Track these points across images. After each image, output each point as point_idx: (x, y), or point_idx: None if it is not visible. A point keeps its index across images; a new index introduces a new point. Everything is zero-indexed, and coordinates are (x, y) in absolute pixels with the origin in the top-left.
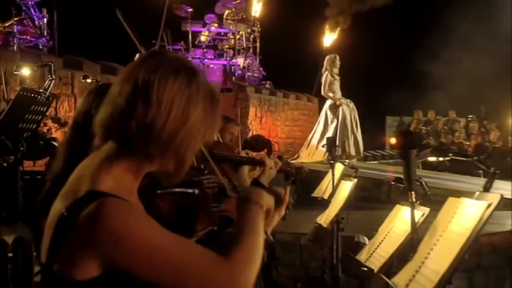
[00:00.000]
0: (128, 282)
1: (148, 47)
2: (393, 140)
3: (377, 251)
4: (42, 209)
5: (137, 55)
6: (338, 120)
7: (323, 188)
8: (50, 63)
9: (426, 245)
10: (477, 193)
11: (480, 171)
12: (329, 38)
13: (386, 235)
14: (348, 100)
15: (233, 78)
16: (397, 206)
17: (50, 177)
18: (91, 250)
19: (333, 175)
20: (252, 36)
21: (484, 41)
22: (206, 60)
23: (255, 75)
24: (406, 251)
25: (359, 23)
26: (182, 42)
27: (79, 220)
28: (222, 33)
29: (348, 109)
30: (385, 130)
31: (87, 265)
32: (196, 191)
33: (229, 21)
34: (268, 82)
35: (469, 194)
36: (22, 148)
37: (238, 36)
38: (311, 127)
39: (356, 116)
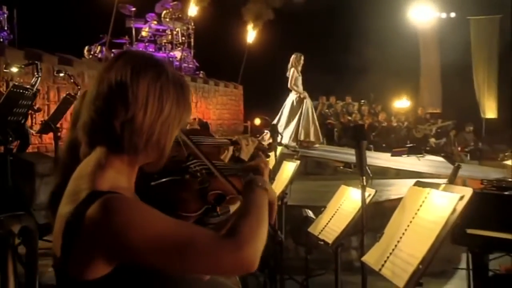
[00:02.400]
0: (138, 273)
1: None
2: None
3: (328, 226)
4: (55, 203)
5: (86, 48)
6: (302, 111)
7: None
8: (36, 62)
9: (394, 229)
10: (443, 185)
11: (371, 146)
12: (251, 35)
13: (336, 212)
14: (306, 93)
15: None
16: (343, 186)
17: (59, 173)
18: (101, 247)
19: (275, 156)
20: (187, 32)
21: (376, 36)
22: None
23: (190, 66)
24: (356, 226)
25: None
26: (127, 37)
27: (85, 221)
28: (161, 30)
29: (310, 102)
30: None
31: (98, 264)
32: (187, 176)
33: (167, 20)
34: (201, 72)
35: (434, 185)
36: (11, 139)
37: (175, 32)
38: (237, 110)
39: (313, 107)
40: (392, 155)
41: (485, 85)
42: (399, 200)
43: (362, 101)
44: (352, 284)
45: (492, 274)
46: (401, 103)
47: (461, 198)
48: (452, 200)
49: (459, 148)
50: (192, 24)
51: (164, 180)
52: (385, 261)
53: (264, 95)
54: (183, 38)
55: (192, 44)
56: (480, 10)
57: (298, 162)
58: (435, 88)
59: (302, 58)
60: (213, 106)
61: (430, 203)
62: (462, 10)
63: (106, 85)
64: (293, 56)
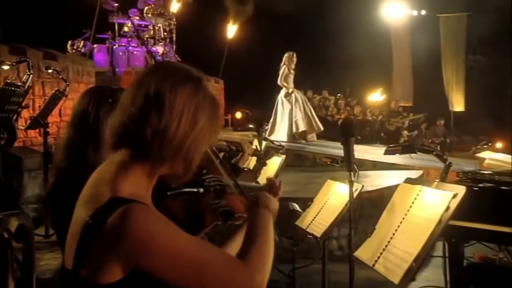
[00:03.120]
0: (151, 283)
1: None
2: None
3: (316, 220)
4: (50, 203)
5: (69, 43)
6: (292, 105)
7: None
8: (28, 59)
9: (386, 225)
10: (435, 182)
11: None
12: (231, 30)
13: (323, 206)
14: (297, 90)
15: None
16: (329, 181)
17: (54, 172)
18: (118, 255)
19: (260, 150)
20: (169, 28)
21: (350, 33)
22: (130, 47)
23: (172, 61)
24: (344, 220)
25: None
26: (109, 32)
27: (106, 227)
28: (143, 25)
29: (300, 96)
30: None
31: (113, 269)
32: (201, 190)
33: (149, 15)
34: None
35: (425, 182)
36: (2, 136)
37: (157, 28)
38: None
39: (306, 100)
40: (385, 154)
41: (453, 79)
42: (376, 191)
43: (338, 95)
44: (334, 273)
45: (467, 263)
46: (375, 97)
47: (455, 196)
48: (446, 198)
49: (430, 140)
50: (174, 19)
51: (180, 191)
52: (379, 257)
53: (244, 89)
54: (165, 33)
55: (174, 39)
56: (449, 8)
57: (284, 156)
58: (407, 83)
59: (295, 56)
60: None
61: (422, 201)
62: (432, 8)
63: (144, 93)
64: (286, 55)
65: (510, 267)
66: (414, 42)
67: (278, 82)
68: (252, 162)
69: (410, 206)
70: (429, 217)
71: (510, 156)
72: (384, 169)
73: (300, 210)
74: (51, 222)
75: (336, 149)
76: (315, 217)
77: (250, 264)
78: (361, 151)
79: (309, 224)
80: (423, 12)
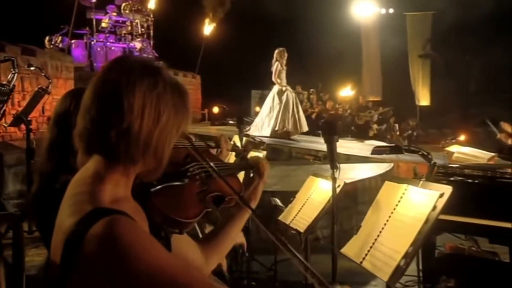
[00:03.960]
0: None
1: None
2: (257, 109)
3: (299, 216)
4: (35, 206)
5: (46, 38)
6: (283, 102)
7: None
8: (13, 58)
9: (372, 222)
10: (421, 182)
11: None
12: (208, 28)
13: (305, 202)
14: (289, 87)
15: None
16: (311, 177)
17: (38, 175)
18: (99, 270)
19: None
20: (146, 24)
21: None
22: (108, 43)
23: (150, 56)
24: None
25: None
26: (87, 28)
27: (86, 241)
28: (121, 21)
29: (292, 95)
30: (251, 101)
31: (97, 284)
32: (186, 180)
33: (127, 11)
34: (160, 62)
35: (413, 182)
36: None
37: (134, 24)
38: (195, 98)
39: (297, 100)
40: (372, 154)
41: (419, 75)
42: (350, 184)
43: (311, 90)
44: (312, 264)
45: (438, 253)
46: (346, 92)
47: (441, 195)
48: (432, 197)
49: (398, 133)
50: (152, 16)
51: (163, 186)
52: (366, 254)
53: (221, 85)
54: (143, 29)
55: (152, 35)
56: (416, 6)
57: (265, 152)
58: (376, 78)
59: (285, 51)
60: None
61: (408, 199)
62: (400, 6)
63: (101, 94)
64: (276, 51)
65: (478, 256)
66: (382, 39)
67: (273, 79)
68: (231, 158)
69: (396, 205)
70: (416, 216)
71: (477, 150)
72: (357, 162)
73: (282, 205)
74: (36, 225)
75: (311, 143)
76: (298, 213)
77: None
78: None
79: (292, 219)
80: (391, 10)
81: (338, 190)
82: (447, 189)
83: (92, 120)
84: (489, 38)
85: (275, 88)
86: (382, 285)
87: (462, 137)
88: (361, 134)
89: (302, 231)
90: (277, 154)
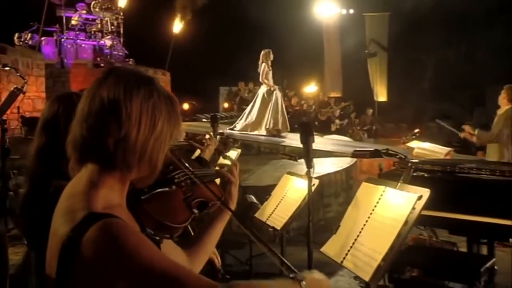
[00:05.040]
0: None
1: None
2: (225, 105)
3: (275, 213)
4: (25, 211)
5: (16, 35)
6: (272, 102)
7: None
8: None
9: (351, 222)
10: (398, 184)
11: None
12: (177, 26)
13: (281, 200)
14: (276, 87)
15: (102, 56)
16: (286, 175)
17: (27, 179)
18: (97, 271)
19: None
20: (116, 22)
21: (287, 29)
22: (78, 40)
23: (120, 53)
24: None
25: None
26: (57, 25)
27: (82, 244)
28: (91, 19)
29: (279, 95)
30: (219, 98)
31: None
32: (174, 187)
33: (97, 9)
34: (131, 59)
35: (390, 183)
36: None
37: (104, 22)
38: None
39: (283, 101)
40: (352, 156)
41: (377, 73)
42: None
43: (277, 86)
44: (285, 256)
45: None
46: (310, 89)
47: (420, 198)
48: (411, 199)
49: (358, 128)
50: (121, 14)
51: (153, 193)
52: (346, 254)
53: (190, 81)
54: (113, 27)
55: (122, 32)
56: (374, 7)
57: (239, 150)
58: (337, 75)
59: (271, 53)
60: None
61: (387, 201)
62: (359, 7)
63: (98, 103)
64: (262, 52)
65: (439, 246)
66: (343, 38)
67: (260, 80)
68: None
69: (375, 206)
70: (395, 217)
71: (435, 145)
72: (322, 157)
73: (257, 202)
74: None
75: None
76: (274, 210)
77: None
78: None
79: (269, 217)
80: (351, 11)
81: (313, 188)
82: (425, 192)
83: (89, 128)
84: (441, 38)
85: (264, 88)
86: (348, 275)
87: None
88: (323, 129)
89: (279, 228)
90: (247, 149)
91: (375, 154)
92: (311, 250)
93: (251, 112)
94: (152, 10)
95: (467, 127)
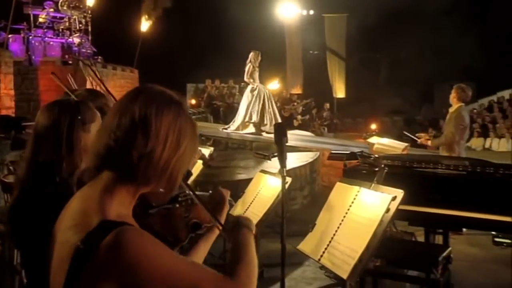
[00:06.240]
0: None
1: None
2: (193, 101)
3: (250, 210)
4: (14, 217)
5: None
6: (259, 100)
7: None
8: None
9: (326, 221)
10: (372, 184)
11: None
12: (145, 25)
13: (255, 197)
14: (262, 85)
15: (71, 54)
16: (259, 173)
17: (17, 185)
18: (113, 279)
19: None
20: (84, 20)
21: (252, 29)
22: (46, 38)
23: (88, 51)
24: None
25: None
26: (25, 23)
27: (100, 251)
28: (59, 17)
29: (264, 91)
30: (186, 94)
31: None
32: (177, 205)
33: (64, 8)
34: (99, 57)
35: (364, 184)
36: None
37: (72, 20)
38: None
39: (271, 96)
40: (328, 159)
41: (336, 71)
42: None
43: (242, 84)
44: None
45: None
46: (273, 86)
47: (394, 198)
48: (385, 200)
49: (319, 122)
50: (89, 12)
51: (159, 208)
52: (324, 252)
53: (157, 78)
54: (81, 25)
55: (90, 30)
56: (333, 9)
57: (212, 148)
58: (297, 73)
59: (260, 54)
60: (111, 88)
61: (362, 201)
62: (319, 8)
63: (129, 118)
64: (252, 53)
65: (399, 237)
66: (304, 38)
67: (245, 79)
68: (198, 165)
69: (350, 205)
70: (370, 217)
71: (393, 141)
72: (288, 152)
73: (231, 199)
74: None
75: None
76: (248, 207)
77: (238, 281)
78: (269, 136)
79: (243, 214)
80: (312, 12)
81: (286, 186)
82: (399, 193)
83: (117, 140)
84: (396, 38)
85: (249, 87)
86: (314, 265)
87: (373, 126)
88: (287, 125)
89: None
90: (215, 145)
91: (351, 156)
92: (284, 245)
93: (240, 113)
94: (120, 9)
95: (422, 137)
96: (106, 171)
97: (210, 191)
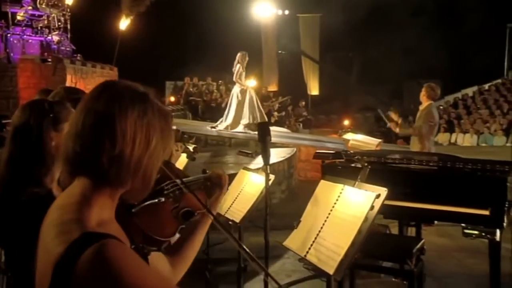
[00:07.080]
0: None
1: None
2: (172, 99)
3: (234, 207)
4: None
5: None
6: (247, 100)
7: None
8: None
9: (312, 218)
10: (356, 182)
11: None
12: (124, 23)
13: (239, 194)
14: (249, 86)
15: (50, 51)
16: (242, 171)
17: None
18: None
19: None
20: (63, 18)
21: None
22: (25, 36)
23: (67, 49)
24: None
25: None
26: (3, 20)
27: (79, 265)
28: (37, 15)
29: (253, 92)
30: (165, 92)
31: None
32: (162, 199)
33: (43, 6)
34: (79, 55)
35: (348, 182)
36: None
37: (51, 18)
38: None
39: (256, 96)
40: (314, 158)
41: (310, 69)
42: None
43: (220, 81)
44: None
45: None
46: (250, 83)
47: (378, 196)
48: (369, 197)
49: (295, 119)
50: (68, 10)
51: (143, 205)
52: (309, 248)
53: (137, 76)
54: (60, 23)
55: (69, 28)
56: (307, 9)
57: (195, 145)
58: (273, 71)
59: (247, 55)
60: (91, 86)
61: (346, 199)
62: (294, 8)
63: (93, 119)
64: (239, 54)
65: (375, 229)
66: (279, 37)
67: (234, 79)
68: (183, 159)
69: (335, 203)
70: (355, 214)
71: (367, 137)
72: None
73: None
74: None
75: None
76: (232, 204)
77: None
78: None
79: (227, 210)
80: (287, 12)
81: (270, 183)
82: (383, 191)
83: (83, 145)
84: (367, 38)
85: (237, 88)
86: (294, 257)
87: (346, 122)
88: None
89: (238, 221)
90: (195, 141)
91: (337, 156)
92: (268, 240)
93: (229, 113)
94: (98, 7)
95: (392, 114)
96: (80, 176)
97: (207, 172)
